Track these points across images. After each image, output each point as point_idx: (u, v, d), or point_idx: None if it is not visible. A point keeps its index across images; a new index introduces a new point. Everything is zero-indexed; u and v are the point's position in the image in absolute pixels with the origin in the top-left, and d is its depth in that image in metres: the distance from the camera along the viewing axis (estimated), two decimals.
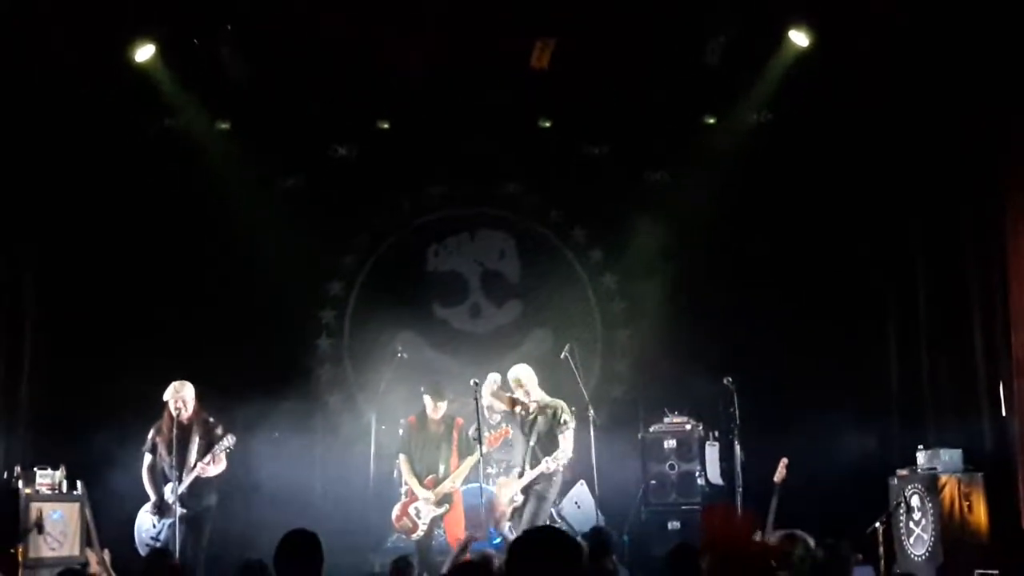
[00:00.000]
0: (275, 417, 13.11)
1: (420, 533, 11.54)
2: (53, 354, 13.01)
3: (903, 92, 12.77)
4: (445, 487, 11.59)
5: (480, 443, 11.56)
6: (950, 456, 11.61)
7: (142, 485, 11.25)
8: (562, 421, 11.39)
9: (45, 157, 12.88)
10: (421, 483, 11.63)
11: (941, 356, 12.82)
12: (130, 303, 13.63)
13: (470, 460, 11.68)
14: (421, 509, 11.59)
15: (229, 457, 11.19)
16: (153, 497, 11.13)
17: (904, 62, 12.40)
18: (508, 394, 11.62)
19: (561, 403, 11.59)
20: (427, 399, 11.76)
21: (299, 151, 14.56)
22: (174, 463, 10.92)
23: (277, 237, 13.90)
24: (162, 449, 11.13)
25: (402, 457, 11.91)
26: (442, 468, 11.68)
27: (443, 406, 11.77)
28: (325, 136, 14.58)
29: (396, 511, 11.77)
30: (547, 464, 11.08)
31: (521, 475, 11.33)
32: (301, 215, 14.28)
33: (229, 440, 11.06)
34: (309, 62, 13.17)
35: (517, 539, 4.74)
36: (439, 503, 11.58)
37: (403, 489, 12.12)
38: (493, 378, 11.80)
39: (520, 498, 11.28)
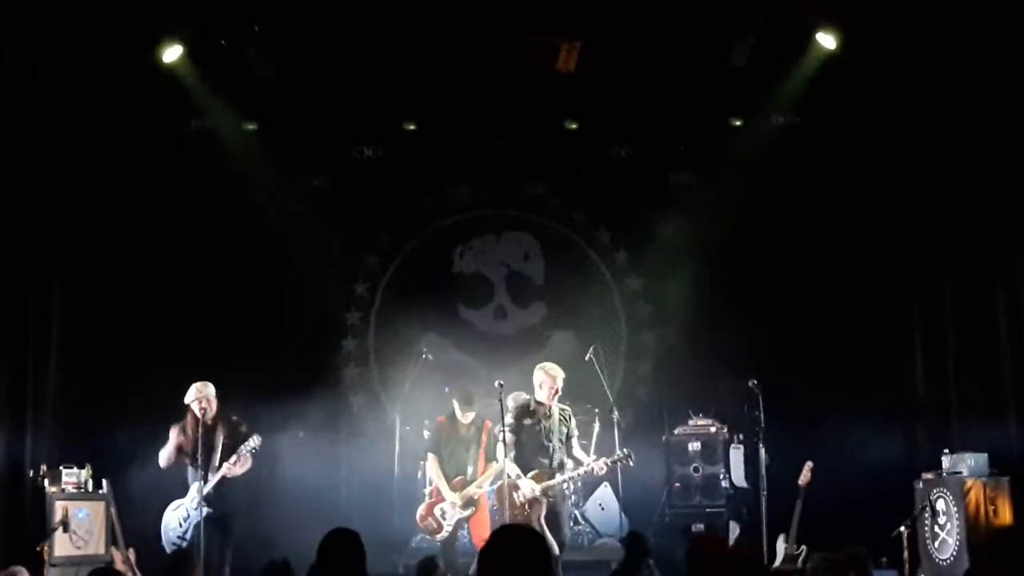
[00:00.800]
0: (300, 417, 13.14)
1: (445, 534, 11.52)
2: (80, 353, 13.05)
3: (930, 96, 12.72)
4: (471, 491, 11.57)
5: (505, 444, 11.57)
6: (976, 460, 11.55)
7: (167, 484, 11.29)
8: (574, 425, 11.36)
9: (75, 157, 12.94)
10: (449, 484, 11.63)
11: (967, 359, 12.77)
12: (156, 302, 13.67)
13: (497, 466, 11.67)
14: (447, 510, 11.58)
15: (254, 457, 11.17)
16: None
17: (932, 66, 12.35)
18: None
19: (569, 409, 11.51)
20: (455, 406, 11.77)
21: (325, 152, 14.62)
22: (200, 463, 10.91)
23: (303, 238, 13.98)
24: (187, 450, 11.11)
25: (431, 457, 11.90)
26: (470, 470, 11.67)
27: (471, 414, 11.78)
28: (351, 137, 14.64)
29: (421, 511, 11.76)
30: (591, 465, 10.97)
31: (552, 476, 11.07)
32: (327, 216, 14.35)
33: (255, 440, 11.00)
34: (335, 63, 13.19)
35: (491, 540, 4.76)
36: (465, 505, 11.57)
37: (427, 489, 12.14)
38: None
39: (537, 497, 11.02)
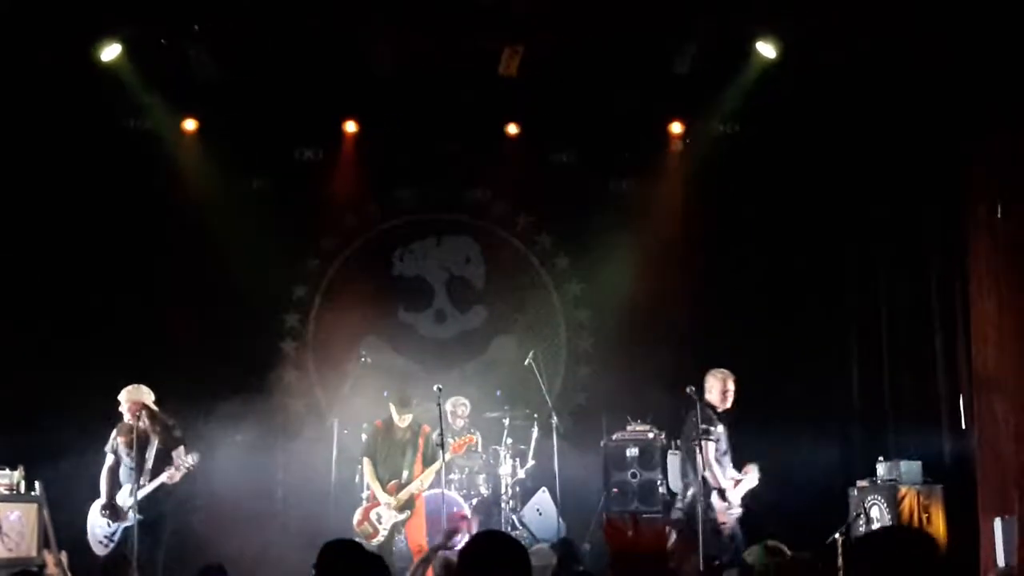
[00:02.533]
0: (236, 420, 13.01)
1: (380, 538, 11.51)
2: (12, 353, 12.90)
3: (868, 107, 12.86)
4: (408, 492, 11.57)
5: (443, 448, 11.55)
6: (910, 468, 11.69)
7: (99, 486, 11.25)
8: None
9: (9, 156, 12.79)
10: (384, 488, 11.62)
11: (902, 369, 12.93)
12: (93, 303, 13.52)
13: (435, 467, 11.67)
14: (382, 514, 11.57)
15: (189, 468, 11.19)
16: (104, 499, 11.10)
17: (869, 75, 12.49)
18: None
19: None
20: (392, 408, 11.75)
21: (266, 153, 14.46)
22: (133, 466, 10.91)
23: (242, 239, 13.83)
24: (122, 450, 11.11)
25: (366, 461, 11.91)
26: (405, 474, 11.67)
27: (408, 417, 11.76)
28: (292, 138, 14.52)
29: (357, 515, 11.75)
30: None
31: (737, 484, 11.12)
32: (267, 217, 14.20)
33: (193, 458, 11.08)
34: (277, 63, 13.13)
35: (468, 545, 4.77)
36: (400, 509, 11.56)
37: (365, 494, 12.10)
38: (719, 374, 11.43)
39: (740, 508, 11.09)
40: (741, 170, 14.07)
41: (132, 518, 10.80)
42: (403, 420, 11.75)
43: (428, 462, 11.73)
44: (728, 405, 11.31)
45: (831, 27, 11.92)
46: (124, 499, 11.07)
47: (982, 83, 11.38)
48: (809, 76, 12.91)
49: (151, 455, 11.01)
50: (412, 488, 11.59)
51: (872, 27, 11.73)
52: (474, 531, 10.94)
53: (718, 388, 11.34)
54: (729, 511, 10.96)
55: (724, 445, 11.19)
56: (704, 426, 11.03)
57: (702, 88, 13.48)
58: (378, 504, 11.61)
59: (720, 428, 11.17)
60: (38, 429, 12.46)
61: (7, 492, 11.20)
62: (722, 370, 11.44)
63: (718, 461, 11.11)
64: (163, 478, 10.94)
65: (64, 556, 11.34)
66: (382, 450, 11.83)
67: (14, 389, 12.75)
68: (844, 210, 13.78)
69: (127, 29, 12.20)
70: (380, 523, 11.54)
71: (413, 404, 11.85)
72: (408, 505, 11.58)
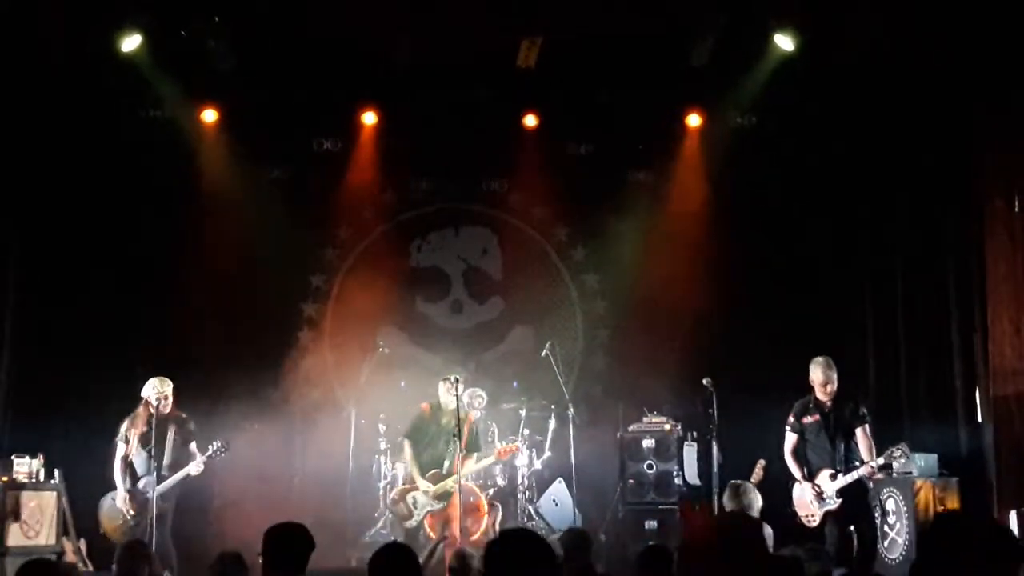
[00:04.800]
0: (254, 409, 13.08)
1: (413, 522, 11.66)
2: (33, 343, 12.99)
3: (884, 99, 12.85)
4: (443, 487, 11.64)
5: (459, 437, 11.57)
6: (926, 461, 11.69)
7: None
8: (861, 413, 10.76)
9: (30, 146, 12.86)
10: (423, 475, 11.68)
11: (918, 361, 12.91)
12: (112, 292, 13.58)
13: (471, 463, 11.75)
14: (419, 500, 11.66)
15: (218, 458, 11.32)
16: (121, 490, 11.12)
17: (886, 67, 12.47)
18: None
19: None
20: (443, 389, 11.78)
21: (284, 143, 14.50)
22: (153, 454, 10.98)
23: (261, 229, 13.88)
24: (135, 442, 11.16)
25: (407, 442, 11.95)
26: (447, 464, 11.72)
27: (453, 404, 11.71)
28: (311, 129, 14.56)
29: (394, 494, 11.95)
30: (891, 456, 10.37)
31: (835, 476, 10.53)
32: (285, 207, 14.24)
33: (216, 445, 11.17)
34: (296, 54, 13.17)
35: (494, 541, 4.78)
36: (437, 498, 11.63)
37: (403, 474, 12.21)
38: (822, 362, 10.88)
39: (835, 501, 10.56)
40: (758, 162, 14.07)
41: (151, 507, 10.86)
42: (451, 403, 11.66)
43: (472, 449, 11.83)
44: (822, 396, 10.80)
45: (848, 20, 11.92)
46: (144, 488, 11.13)
47: (999, 78, 11.38)
48: (827, 68, 12.90)
49: (169, 447, 11.10)
50: (449, 483, 11.61)
51: (889, 20, 11.72)
52: (496, 521, 11.00)
53: (813, 377, 10.90)
54: (822, 503, 10.56)
55: (815, 436, 10.81)
56: (791, 417, 10.89)
57: (719, 80, 13.50)
58: (417, 488, 11.68)
59: (808, 419, 10.81)
60: (58, 418, 12.58)
61: (27, 480, 11.27)
62: (820, 358, 10.96)
63: (795, 453, 10.83)
64: (191, 470, 11.06)
65: (83, 543, 11.45)
66: (426, 435, 11.89)
67: (34, 379, 12.86)
68: (860, 203, 13.76)
69: (147, 20, 12.25)
70: (415, 507, 11.65)
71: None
72: (444, 497, 11.63)
